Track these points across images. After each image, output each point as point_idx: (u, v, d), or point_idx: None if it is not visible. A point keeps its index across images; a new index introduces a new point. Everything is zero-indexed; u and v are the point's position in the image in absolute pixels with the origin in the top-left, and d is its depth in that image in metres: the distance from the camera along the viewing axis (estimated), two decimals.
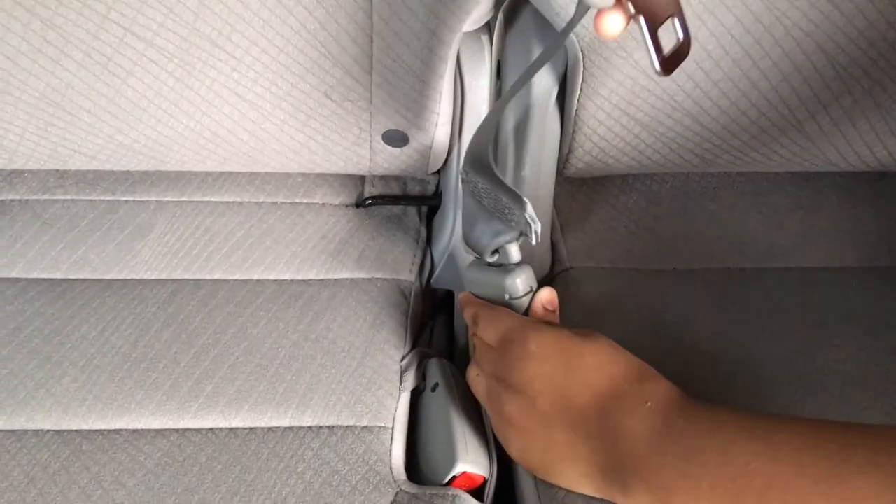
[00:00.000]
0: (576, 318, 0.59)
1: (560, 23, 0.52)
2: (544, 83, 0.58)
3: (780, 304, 0.59)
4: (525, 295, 0.51)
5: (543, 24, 0.56)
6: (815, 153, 0.60)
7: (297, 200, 0.67)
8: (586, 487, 0.44)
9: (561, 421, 0.44)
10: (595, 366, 0.44)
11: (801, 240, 0.64)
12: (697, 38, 0.51)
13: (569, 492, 0.47)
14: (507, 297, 0.52)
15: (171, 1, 0.51)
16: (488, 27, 0.60)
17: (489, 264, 0.53)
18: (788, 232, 0.65)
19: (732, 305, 0.59)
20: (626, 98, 0.55)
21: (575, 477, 0.45)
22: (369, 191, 0.68)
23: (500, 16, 0.60)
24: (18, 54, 0.53)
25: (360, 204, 0.67)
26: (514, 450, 0.47)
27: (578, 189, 0.67)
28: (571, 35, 0.52)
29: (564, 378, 0.44)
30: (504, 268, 0.52)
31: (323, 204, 0.67)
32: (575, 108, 0.57)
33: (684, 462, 0.39)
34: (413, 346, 0.60)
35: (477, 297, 0.55)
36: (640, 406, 0.41)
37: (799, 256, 0.63)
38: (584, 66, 0.54)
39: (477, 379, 0.51)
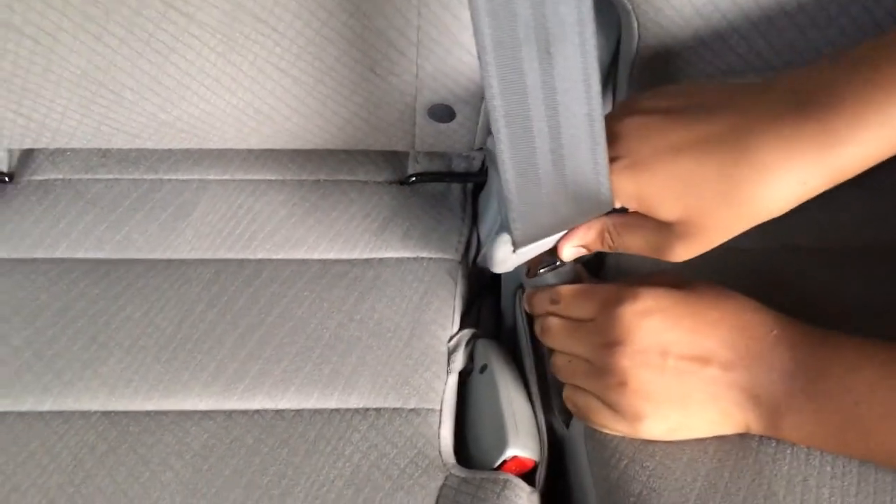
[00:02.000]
0: None
1: None
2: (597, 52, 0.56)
3: (840, 286, 0.56)
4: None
5: None
6: None
7: (341, 178, 0.66)
8: (723, 428, 0.45)
9: (693, 365, 0.43)
10: (715, 306, 0.44)
11: (861, 219, 0.61)
12: (760, 3, 0.49)
13: (622, 474, 0.46)
14: (550, 278, 0.50)
15: None
16: None
17: None
18: (848, 210, 0.62)
19: (789, 286, 0.57)
20: (683, 69, 0.53)
21: (716, 418, 0.44)
22: (413, 168, 0.66)
23: None
24: (59, 31, 0.52)
25: (404, 181, 0.66)
26: (632, 418, 0.45)
27: None
28: (626, 2, 0.50)
29: (692, 324, 0.44)
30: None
31: (366, 181, 0.66)
32: (628, 80, 0.55)
33: (811, 385, 0.41)
34: (460, 327, 0.59)
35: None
36: (767, 335, 0.43)
37: (859, 236, 0.60)
38: (638, 34, 0.52)
39: (569, 365, 0.48)
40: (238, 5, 0.51)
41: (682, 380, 0.43)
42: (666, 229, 0.42)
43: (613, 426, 0.46)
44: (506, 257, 0.46)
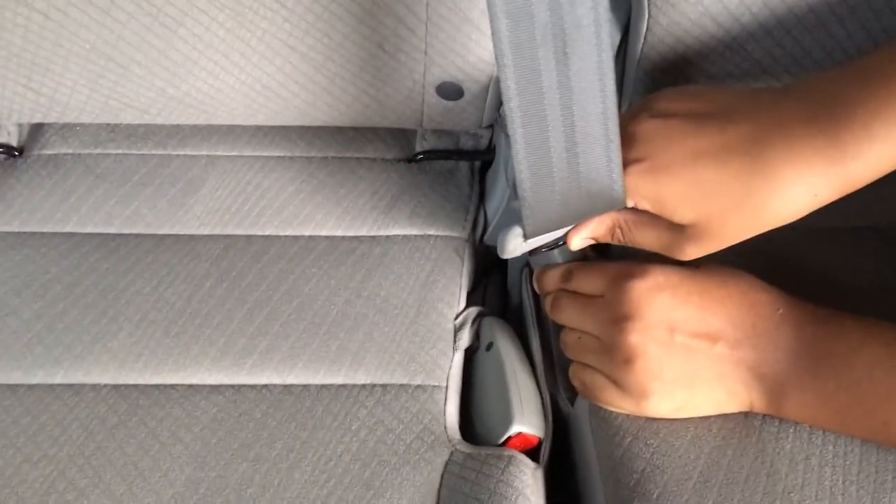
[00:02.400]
0: None
1: None
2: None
3: (847, 266, 0.56)
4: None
5: None
6: None
7: (349, 155, 0.66)
8: (728, 406, 0.45)
9: (702, 343, 0.44)
10: (723, 285, 0.45)
11: (869, 198, 0.61)
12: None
13: (625, 451, 0.46)
14: (557, 256, 0.51)
15: None
16: None
17: None
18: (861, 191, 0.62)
19: (796, 265, 0.57)
20: (693, 47, 0.53)
21: (721, 396, 0.45)
22: (421, 145, 0.66)
23: None
24: (69, 6, 0.52)
25: (412, 159, 0.66)
26: (638, 395, 0.45)
27: None
28: None
29: (700, 302, 0.44)
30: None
31: (374, 159, 0.66)
32: (638, 58, 0.55)
33: (815, 364, 0.42)
34: (467, 305, 0.59)
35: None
36: (773, 314, 0.43)
37: (867, 215, 0.60)
38: (649, 12, 0.51)
39: (579, 341, 0.48)
40: None
41: (689, 357, 0.44)
42: (678, 230, 0.42)
43: (619, 404, 0.46)
44: (516, 247, 0.47)
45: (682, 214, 0.41)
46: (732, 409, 0.45)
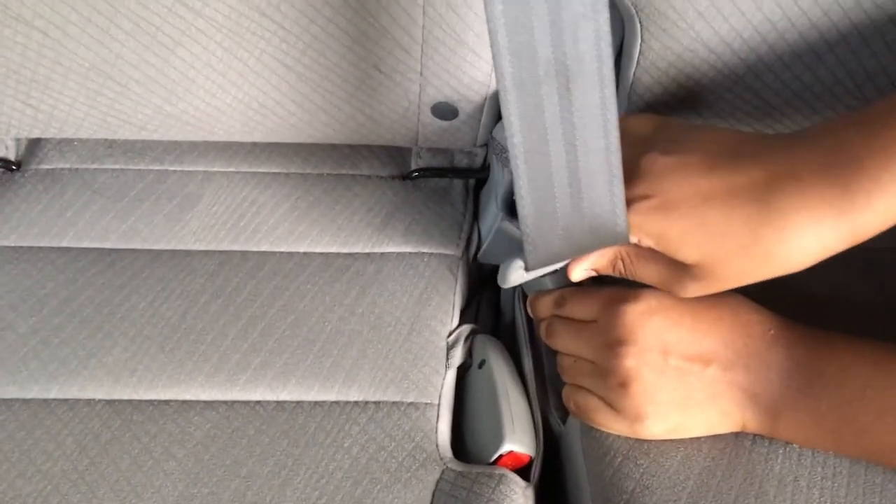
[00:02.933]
0: None
1: None
2: None
3: (840, 285, 0.57)
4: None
5: None
6: None
7: (344, 172, 0.66)
8: (721, 427, 0.46)
9: (695, 365, 0.44)
10: (714, 306, 0.45)
11: None
12: (762, 9, 0.49)
13: (616, 471, 0.47)
14: (549, 282, 0.51)
15: None
16: None
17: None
18: None
19: (789, 285, 0.57)
20: (685, 72, 0.53)
21: (714, 418, 0.45)
22: (416, 163, 0.67)
23: None
24: (68, 24, 0.52)
25: (406, 176, 0.66)
26: (633, 418, 0.45)
27: None
28: (629, 3, 0.51)
29: (692, 324, 0.45)
30: None
31: (369, 176, 0.66)
32: (630, 82, 0.55)
33: (807, 384, 0.42)
34: (460, 322, 0.60)
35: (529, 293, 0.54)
36: (765, 334, 0.44)
37: None
38: (641, 37, 0.52)
39: (574, 365, 0.48)
40: (245, 1, 0.51)
41: (682, 380, 0.44)
42: (681, 268, 0.42)
43: (614, 426, 0.47)
44: (517, 279, 0.47)
45: (686, 254, 0.41)
46: (725, 430, 0.46)
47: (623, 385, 0.45)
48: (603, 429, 0.48)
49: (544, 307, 0.51)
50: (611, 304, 0.46)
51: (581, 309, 0.48)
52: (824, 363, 0.43)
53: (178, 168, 0.66)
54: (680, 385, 0.44)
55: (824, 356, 0.43)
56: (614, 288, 0.48)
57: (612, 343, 0.45)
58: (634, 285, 0.47)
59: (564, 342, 0.49)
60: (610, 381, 0.45)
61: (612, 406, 0.46)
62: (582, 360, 0.48)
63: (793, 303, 0.47)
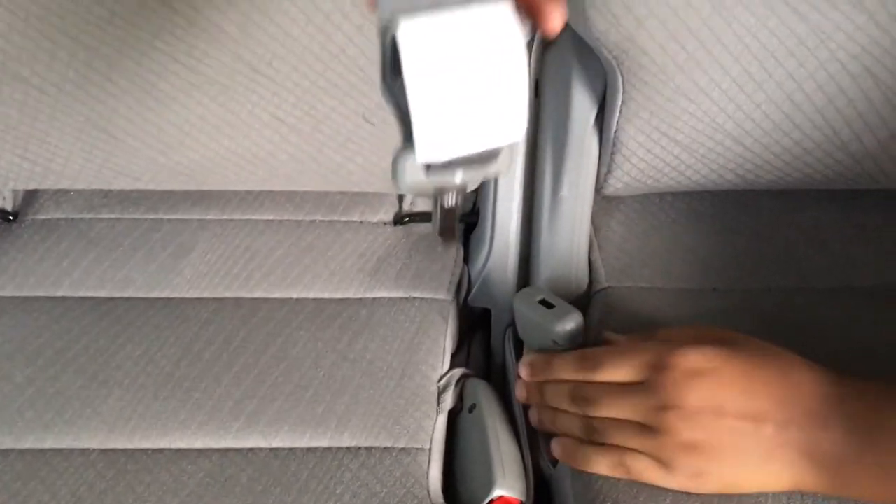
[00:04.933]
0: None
1: (599, 45, 0.52)
2: (583, 105, 0.58)
3: (825, 326, 0.58)
4: (571, 346, 0.53)
5: (581, 42, 0.56)
6: (859, 172, 0.58)
7: (336, 218, 0.67)
8: (777, 485, 0.46)
9: (749, 424, 0.44)
10: (765, 365, 0.46)
11: (846, 259, 0.63)
12: (740, 61, 0.51)
13: None
14: (553, 342, 0.52)
15: (213, 29, 0.51)
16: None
17: (539, 302, 0.54)
18: (832, 250, 0.64)
19: (775, 326, 0.58)
20: (667, 121, 0.55)
21: (770, 476, 0.45)
22: (407, 208, 0.68)
23: (538, 34, 0.60)
24: (65, 81, 0.54)
25: (397, 221, 0.68)
26: (689, 476, 0.46)
27: (617, 207, 0.66)
28: (611, 58, 0.52)
29: (745, 384, 0.45)
30: (554, 310, 0.53)
31: (361, 222, 0.67)
32: (614, 129, 0.57)
33: (869, 439, 0.42)
34: (451, 365, 0.60)
35: (521, 336, 0.55)
36: (819, 392, 0.44)
37: (843, 276, 0.62)
38: (623, 88, 0.54)
39: (618, 426, 0.48)
40: (238, 57, 0.53)
41: (737, 440, 0.44)
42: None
43: (667, 483, 0.47)
44: (413, 174, 0.37)
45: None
46: (781, 489, 0.46)
47: (680, 446, 0.45)
48: (656, 484, 0.48)
49: (566, 370, 0.51)
50: (657, 366, 0.46)
51: (624, 371, 0.48)
52: (884, 416, 0.43)
53: (173, 216, 0.67)
54: (734, 444, 0.44)
55: (882, 408, 0.43)
56: (654, 346, 0.48)
57: (665, 405, 0.45)
58: (676, 344, 0.47)
59: (607, 406, 0.48)
60: (664, 441, 0.45)
61: (665, 465, 0.46)
62: (626, 422, 0.47)
63: (847, 356, 0.48)
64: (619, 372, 0.48)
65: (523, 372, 0.54)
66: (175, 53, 0.52)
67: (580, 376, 0.50)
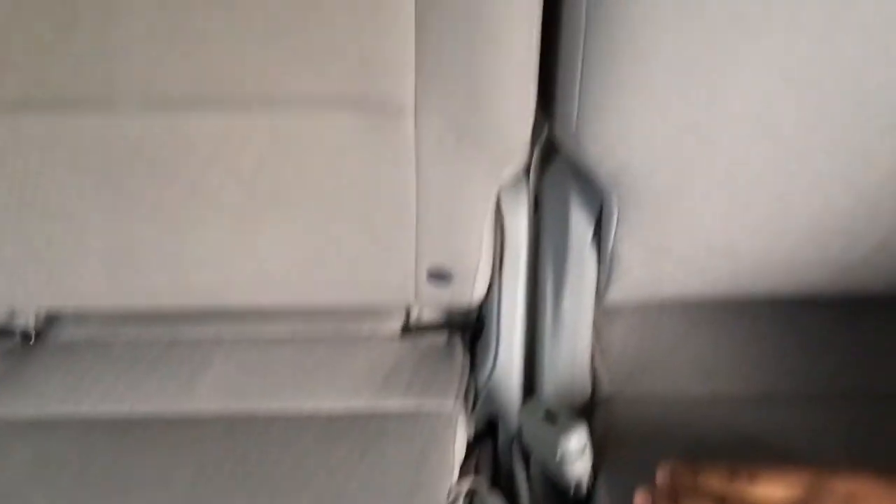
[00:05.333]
0: (617, 447, 0.60)
1: (594, 171, 0.55)
2: (580, 222, 0.61)
3: (824, 434, 0.59)
4: (577, 459, 0.54)
5: (578, 162, 0.59)
6: (851, 280, 0.61)
7: (346, 333, 0.70)
8: None
9: None
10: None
11: (842, 365, 0.65)
12: (729, 185, 0.53)
13: None
14: (558, 457, 0.54)
15: (231, 164, 0.55)
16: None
17: (544, 415, 0.56)
18: (828, 356, 0.65)
19: (773, 432, 0.59)
20: (661, 238, 0.57)
21: None
22: (414, 319, 0.70)
23: (537, 153, 0.63)
24: (90, 213, 0.57)
25: (405, 332, 0.70)
26: None
27: (617, 316, 0.69)
28: (605, 183, 0.55)
29: None
30: (558, 427, 0.55)
31: (370, 337, 0.70)
32: (611, 245, 0.59)
33: None
34: (459, 475, 0.61)
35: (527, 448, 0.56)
36: None
37: (840, 381, 0.64)
38: (618, 209, 0.56)
39: None
40: (254, 189, 0.56)
41: None
42: None
43: None
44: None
45: None
46: None
47: None
48: None
49: (714, 483, 0.50)
50: (816, 484, 0.47)
51: (781, 488, 0.48)
52: None
53: (190, 335, 0.69)
54: None
55: None
56: (809, 467, 0.49)
57: None
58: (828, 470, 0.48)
59: None
60: None
61: None
62: None
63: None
64: (776, 488, 0.48)
65: (660, 475, 0.51)
66: (195, 187, 0.56)
67: (731, 489, 0.49)
